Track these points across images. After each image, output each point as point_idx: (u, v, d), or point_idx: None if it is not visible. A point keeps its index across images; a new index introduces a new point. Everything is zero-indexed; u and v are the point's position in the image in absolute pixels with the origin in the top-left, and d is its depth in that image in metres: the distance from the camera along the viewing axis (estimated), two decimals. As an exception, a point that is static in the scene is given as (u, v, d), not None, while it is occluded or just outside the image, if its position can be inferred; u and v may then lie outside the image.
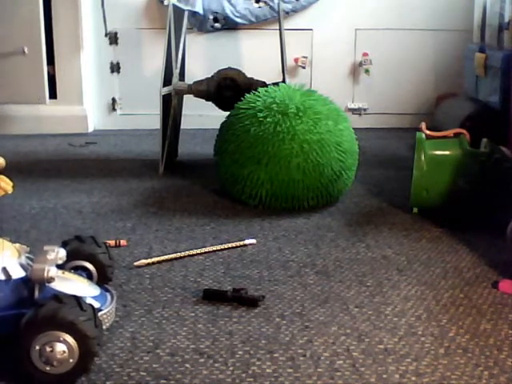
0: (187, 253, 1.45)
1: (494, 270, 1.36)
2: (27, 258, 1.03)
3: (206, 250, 1.48)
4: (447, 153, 1.73)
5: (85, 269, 1.14)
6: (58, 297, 0.92)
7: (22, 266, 1.00)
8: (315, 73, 3.12)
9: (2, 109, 2.97)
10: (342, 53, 3.13)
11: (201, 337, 1.08)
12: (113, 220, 1.72)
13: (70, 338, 0.90)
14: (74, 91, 3.03)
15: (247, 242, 1.54)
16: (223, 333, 1.09)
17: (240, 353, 1.02)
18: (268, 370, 0.98)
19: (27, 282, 0.97)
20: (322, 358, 1.01)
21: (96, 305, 1.01)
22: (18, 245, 1.04)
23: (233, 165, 1.86)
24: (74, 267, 1.13)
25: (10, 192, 1.02)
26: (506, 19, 2.48)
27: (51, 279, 0.96)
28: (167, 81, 2.24)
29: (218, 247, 1.50)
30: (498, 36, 2.56)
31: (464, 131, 1.78)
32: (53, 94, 2.97)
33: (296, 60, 3.08)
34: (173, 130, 2.31)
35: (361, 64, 3.12)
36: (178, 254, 1.45)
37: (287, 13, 3.01)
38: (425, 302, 1.22)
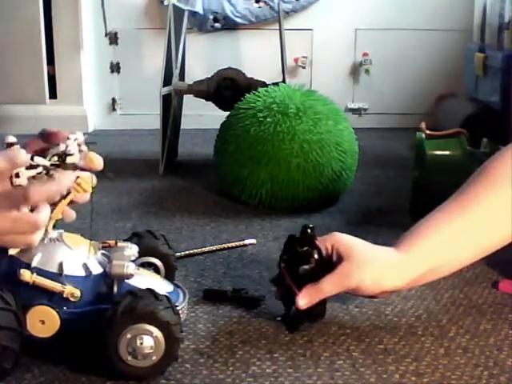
0: (187, 253, 1.45)
1: (494, 270, 1.36)
2: (102, 254, 1.03)
3: (206, 249, 1.48)
4: (447, 153, 1.73)
5: (150, 264, 1.12)
6: (134, 292, 0.92)
7: (98, 262, 1.00)
8: (315, 73, 3.12)
9: (2, 109, 2.97)
10: (342, 53, 3.13)
11: (201, 337, 1.07)
12: (113, 220, 1.72)
13: (153, 329, 0.90)
14: (74, 91, 3.03)
15: (247, 241, 1.53)
16: (223, 333, 1.09)
17: (240, 353, 1.02)
18: (268, 370, 0.98)
19: (105, 278, 0.97)
20: (322, 357, 1.01)
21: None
22: (91, 241, 1.03)
23: (233, 165, 1.86)
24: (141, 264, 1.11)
25: (90, 191, 1.00)
26: (506, 19, 2.48)
27: (130, 275, 0.96)
28: (167, 81, 2.24)
29: (218, 247, 1.50)
30: (498, 36, 2.56)
31: (464, 131, 1.78)
32: (53, 94, 2.97)
33: (296, 60, 3.08)
34: (173, 130, 2.31)
35: (361, 64, 3.12)
36: (178, 254, 1.45)
37: (287, 13, 3.01)
38: (425, 302, 1.22)
